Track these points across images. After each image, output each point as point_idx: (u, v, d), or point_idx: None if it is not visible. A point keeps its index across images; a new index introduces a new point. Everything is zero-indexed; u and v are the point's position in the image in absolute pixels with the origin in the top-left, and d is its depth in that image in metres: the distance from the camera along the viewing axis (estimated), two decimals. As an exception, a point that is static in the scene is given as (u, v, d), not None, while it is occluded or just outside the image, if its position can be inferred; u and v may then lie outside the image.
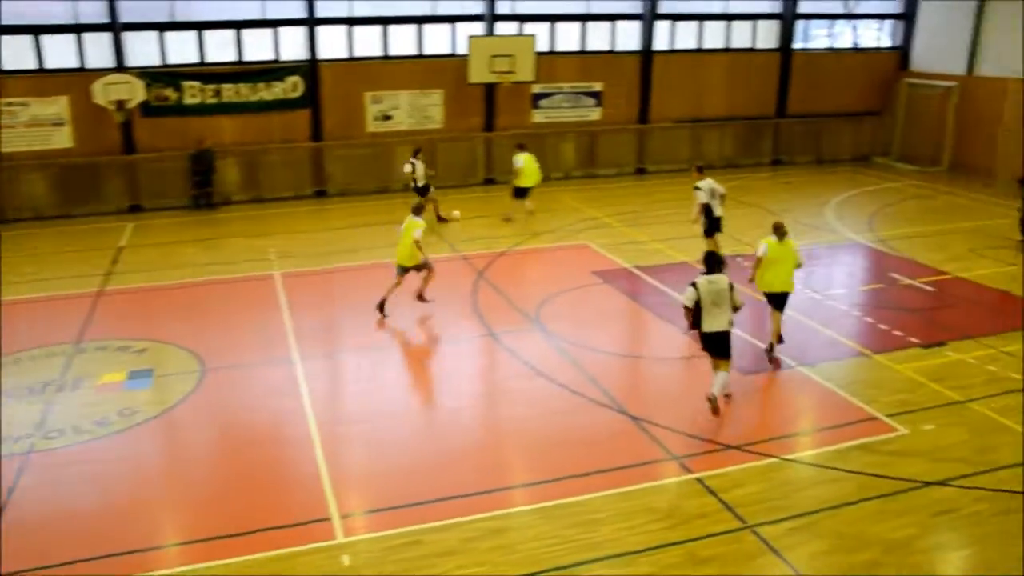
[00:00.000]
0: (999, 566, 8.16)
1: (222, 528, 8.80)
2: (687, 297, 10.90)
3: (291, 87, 23.32)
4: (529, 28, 25.33)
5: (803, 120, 29.27)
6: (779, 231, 12.58)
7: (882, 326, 14.16)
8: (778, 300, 12.71)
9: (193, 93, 22.48)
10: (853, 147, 30.23)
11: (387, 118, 24.46)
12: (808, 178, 27.03)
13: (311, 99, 23.59)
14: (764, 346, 12.96)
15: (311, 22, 23.20)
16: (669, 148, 27.61)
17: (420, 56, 24.66)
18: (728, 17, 27.78)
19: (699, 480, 9.60)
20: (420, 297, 14.77)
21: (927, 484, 9.51)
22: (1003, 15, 26.37)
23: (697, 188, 16.55)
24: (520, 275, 16.86)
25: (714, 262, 11.08)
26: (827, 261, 17.88)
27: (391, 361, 12.96)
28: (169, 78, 22.28)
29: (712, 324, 10.87)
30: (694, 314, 10.87)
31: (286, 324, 14.31)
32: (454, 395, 11.89)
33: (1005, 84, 25.59)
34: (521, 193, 20.82)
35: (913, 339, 13.52)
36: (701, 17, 27.42)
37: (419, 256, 14.35)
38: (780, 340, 12.78)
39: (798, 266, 12.66)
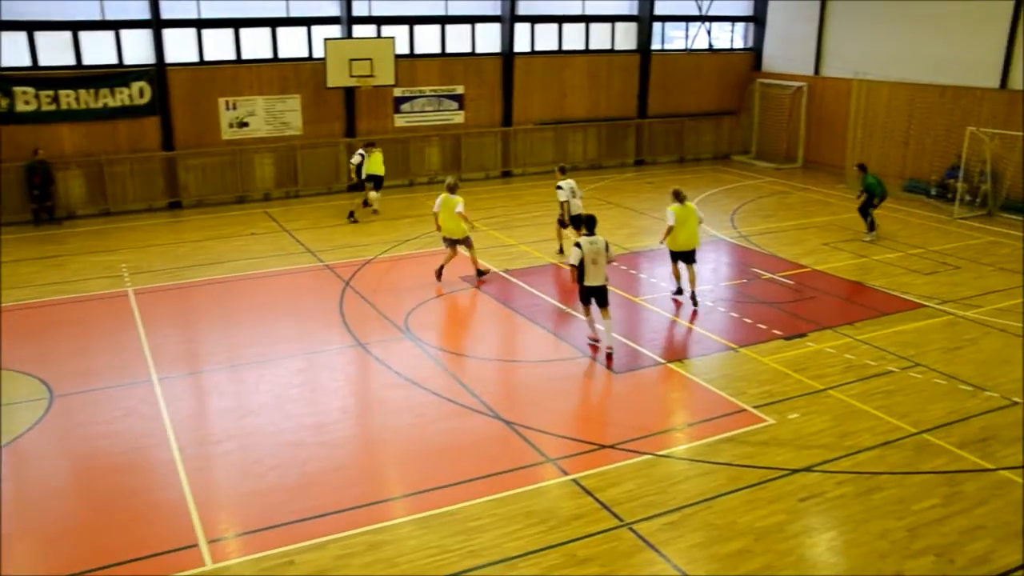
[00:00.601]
0: (863, 544, 8.41)
1: (80, 564, 8.15)
2: (574, 256, 12.57)
3: (137, 93, 22.10)
4: (387, 30, 24.95)
5: (664, 120, 29.96)
6: (679, 196, 14.93)
7: (747, 320, 14.50)
8: (689, 256, 15.02)
9: (27, 99, 20.89)
10: (713, 146, 31.17)
11: (243, 125, 23.56)
12: (671, 177, 27.62)
13: (160, 106, 22.43)
14: (678, 292, 15.44)
15: (156, 24, 22.03)
16: (534, 150, 27.75)
17: (275, 60, 23.88)
18: (587, 19, 28.15)
19: (575, 481, 9.53)
20: (479, 273, 16.37)
21: (794, 471, 9.73)
22: (842, 20, 27.74)
23: (559, 187, 17.65)
24: (388, 283, 16.49)
25: (591, 223, 12.84)
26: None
27: (256, 377, 12.39)
28: (-2, 83, 20.74)
29: (593, 279, 12.59)
30: (579, 271, 12.58)
31: (143, 343, 13.53)
32: (324, 409, 11.45)
33: (848, 84, 26.85)
34: (372, 182, 21.30)
35: (776, 331, 13.90)
36: (560, 19, 27.69)
37: (465, 228, 15.96)
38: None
39: (700, 222, 15.02)
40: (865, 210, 19.84)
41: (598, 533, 8.59)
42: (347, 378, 12.63)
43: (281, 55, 23.93)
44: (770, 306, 15.20)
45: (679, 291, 15.48)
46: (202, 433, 10.81)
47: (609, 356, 12.79)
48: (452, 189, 16.09)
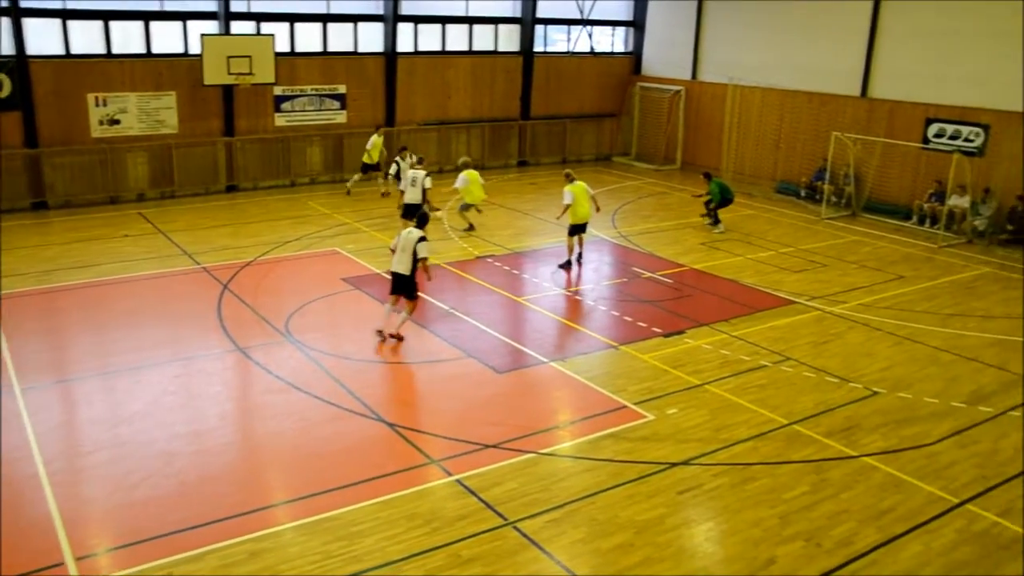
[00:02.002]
0: (738, 533, 8.71)
1: (-73, 589, 7.69)
2: (393, 242, 13.62)
3: (-5, 86, 20.96)
4: (267, 27, 24.42)
5: (547, 122, 30.30)
6: (570, 177, 17.81)
7: (627, 318, 14.80)
8: (583, 228, 17.64)
9: None
10: (595, 147, 31.71)
11: (115, 122, 22.62)
12: (554, 178, 27.84)
13: (22, 100, 21.28)
14: (567, 265, 17.54)
15: (15, 12, 20.82)
16: (417, 150, 27.41)
17: (149, 55, 23.05)
18: (470, 20, 28.21)
19: (459, 481, 9.54)
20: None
21: (673, 465, 10.00)
22: (718, 27, 28.68)
23: (396, 162, 20.14)
24: (268, 285, 16.13)
25: (413, 214, 14.31)
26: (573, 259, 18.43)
27: (129, 384, 11.90)
28: None
29: (396, 265, 13.33)
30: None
31: (3, 352, 12.84)
32: (201, 416, 11.10)
33: (724, 89, 27.74)
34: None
35: (656, 329, 14.24)
36: (443, 20, 27.67)
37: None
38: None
39: (593, 198, 17.57)
40: (710, 209, 21.33)
41: (482, 533, 8.62)
42: (225, 384, 12.29)
43: (155, 50, 23.11)
44: (650, 304, 15.56)
45: (568, 264, 17.50)
46: (70, 445, 10.34)
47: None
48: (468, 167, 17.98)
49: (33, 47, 21.42)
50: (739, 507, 9.18)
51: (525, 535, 8.59)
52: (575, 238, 17.59)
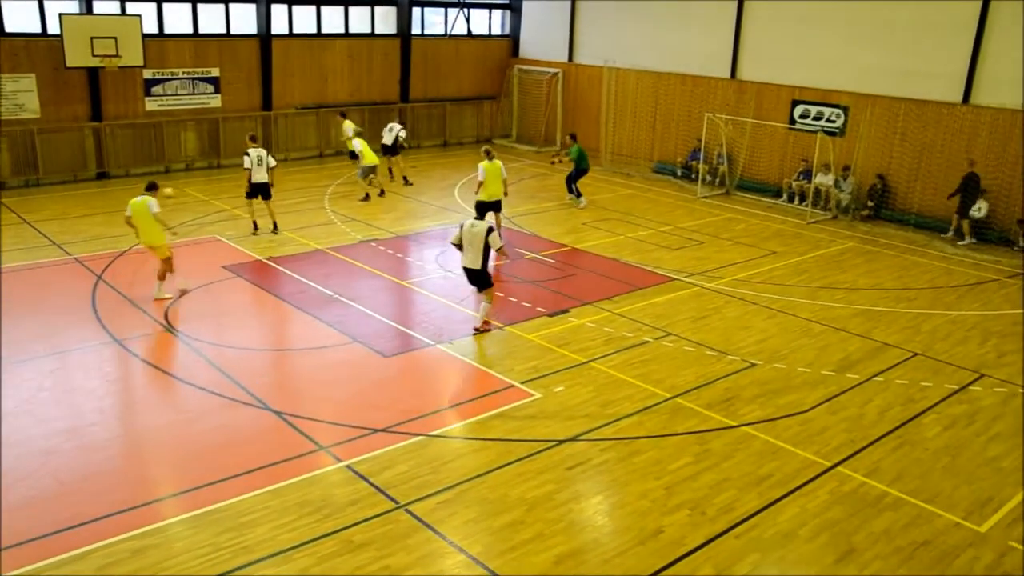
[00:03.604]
0: (627, 505, 8.99)
1: None
2: (453, 235, 13.37)
3: None
4: (133, 8, 23.48)
5: (427, 104, 30.19)
6: (489, 154, 17.49)
7: (512, 299, 14.98)
8: (496, 205, 17.50)
9: None
10: (475, 129, 31.79)
11: (-32, 107, 21.44)
12: (435, 161, 27.95)
13: None
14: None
15: None
16: (296, 135, 27.15)
17: (3, 34, 21.82)
18: (345, 2, 27.79)
19: (349, 467, 9.52)
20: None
21: (561, 442, 10.21)
22: (591, 10, 29.10)
23: (245, 154, 18.39)
24: (144, 275, 15.59)
25: (480, 208, 14.37)
26: (458, 240, 18.51)
27: (1, 381, 11.41)
28: None
29: (466, 260, 13.19)
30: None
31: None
32: (79, 411, 10.70)
33: (600, 72, 28.21)
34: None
35: (540, 309, 14.46)
36: (318, 1, 27.17)
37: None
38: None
39: (504, 179, 17.54)
40: (571, 180, 21.94)
41: (374, 517, 8.63)
42: (104, 377, 11.85)
43: (8, 29, 21.90)
44: (533, 284, 15.78)
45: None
46: (-66, 447, 9.84)
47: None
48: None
49: None
50: (627, 480, 9.46)
51: (417, 517, 8.65)
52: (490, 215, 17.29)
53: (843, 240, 19.84)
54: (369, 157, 21.69)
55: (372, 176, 21.98)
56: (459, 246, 13.22)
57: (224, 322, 13.76)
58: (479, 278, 13.32)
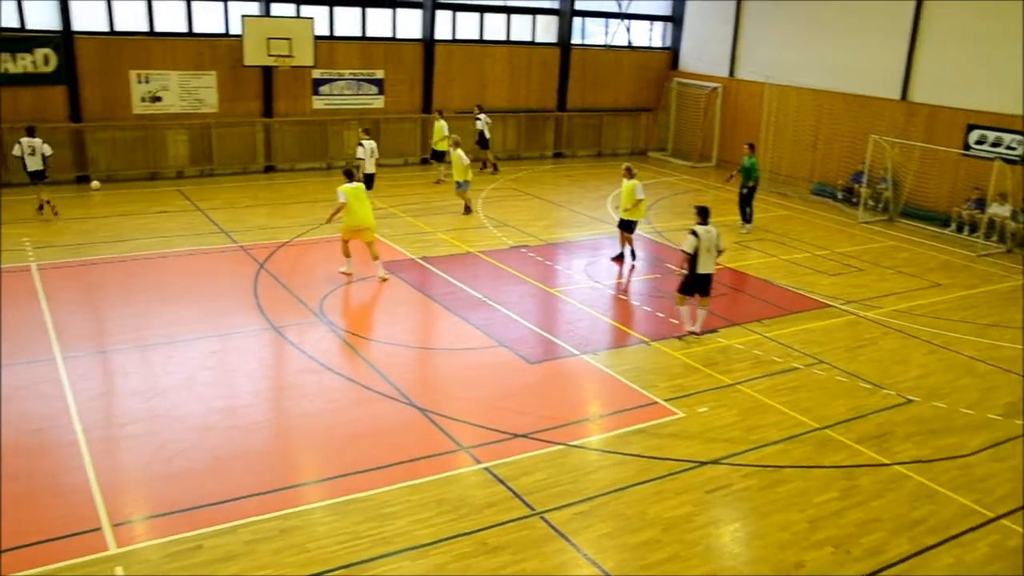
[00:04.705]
0: (766, 536, 8.68)
1: (-30, 548, 7.87)
2: (688, 244, 13.28)
3: (42, 60, 21.21)
4: (307, 11, 24.55)
5: (583, 114, 30.25)
6: (627, 172, 17.20)
7: (659, 314, 14.78)
8: (624, 224, 17.35)
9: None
10: (631, 141, 31.63)
11: (156, 99, 22.88)
12: (589, 171, 27.96)
13: (67, 75, 21.61)
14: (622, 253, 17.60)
15: (64, -11, 21.22)
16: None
17: (191, 34, 23.26)
18: (508, 10, 28.19)
19: (488, 470, 9.59)
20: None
21: (702, 464, 9.98)
22: (757, 25, 28.46)
23: (360, 145, 20.27)
24: (303, 266, 16.27)
25: (707, 213, 13.62)
26: (608, 252, 18.43)
27: (165, 358, 12.07)
28: None
29: (703, 267, 13.35)
30: (692, 259, 13.34)
31: (46, 320, 13.07)
32: (236, 392, 11.24)
33: (761, 88, 27.54)
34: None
35: (688, 326, 14.19)
36: (482, 8, 27.67)
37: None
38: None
39: (636, 200, 16.90)
40: (745, 201, 20.94)
41: (510, 521, 8.65)
42: (260, 361, 12.42)
43: (197, 30, 23.32)
44: (682, 301, 15.51)
45: (621, 256, 17.69)
46: (108, 414, 10.51)
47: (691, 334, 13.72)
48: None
49: (79, 23, 21.68)
50: (768, 510, 9.15)
51: (552, 526, 8.62)
52: (625, 234, 17.49)
53: (1017, 276, 18.63)
54: (460, 172, 20.45)
55: (462, 191, 20.82)
56: (694, 255, 13.32)
57: (375, 317, 14.16)
58: (709, 284, 13.59)
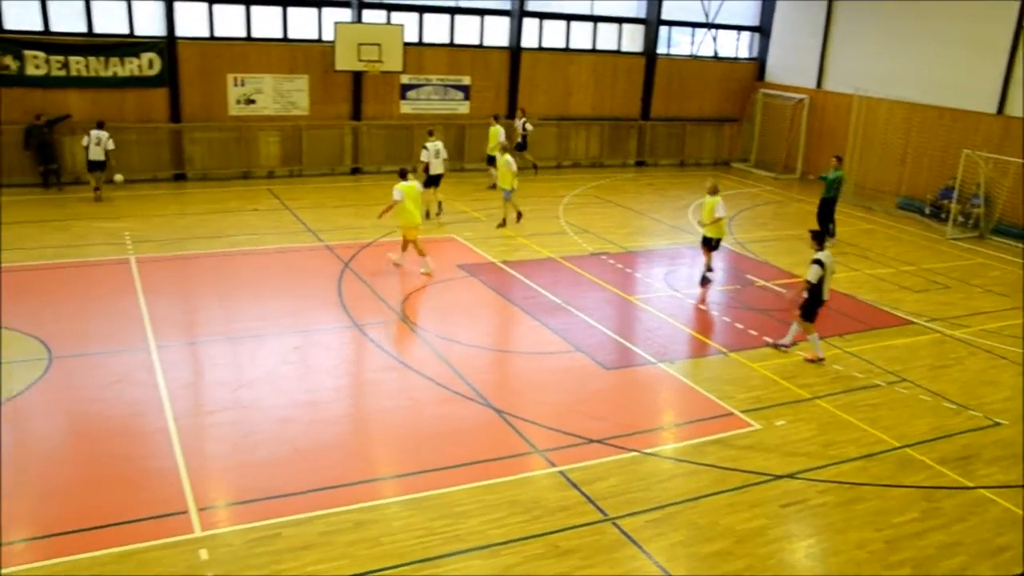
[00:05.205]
0: (842, 553, 8.58)
1: (71, 523, 8.30)
2: (813, 274, 12.92)
3: (147, 64, 22.20)
4: (397, 17, 25.07)
5: (667, 123, 30.13)
6: (712, 190, 16.77)
7: (738, 325, 14.69)
8: (708, 242, 16.80)
9: (37, 64, 21.05)
10: (714, 151, 31.38)
11: (250, 102, 23.65)
12: (671, 180, 27.83)
13: (169, 78, 22.54)
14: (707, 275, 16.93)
15: (170, -3, 22.17)
16: (536, 144, 27.82)
17: (285, 40, 23.97)
18: (594, 19, 28.27)
19: (562, 473, 9.68)
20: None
21: (777, 477, 9.90)
22: (846, 36, 27.94)
23: (424, 148, 20.13)
24: (386, 267, 16.62)
25: (824, 237, 13.47)
26: (688, 261, 18.40)
27: (252, 351, 12.51)
28: (8, 45, 20.74)
29: (826, 294, 13.12)
30: (815, 287, 12.99)
31: (142, 311, 13.64)
32: (317, 387, 11.58)
33: (849, 100, 27.04)
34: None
35: (767, 339, 14.07)
36: (568, 17, 27.81)
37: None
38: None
39: (717, 217, 16.46)
40: (825, 218, 20.48)
41: (582, 526, 8.72)
42: (341, 358, 12.76)
43: (291, 35, 24.02)
44: (762, 313, 15.38)
45: (707, 279, 16.99)
46: (197, 403, 10.94)
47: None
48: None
49: (181, 29, 22.57)
50: (844, 527, 9.03)
51: (624, 532, 8.67)
52: (710, 253, 16.94)
53: (1116, 299, 17.94)
54: (506, 179, 19.49)
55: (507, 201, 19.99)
56: (818, 283, 12.99)
57: (455, 318, 14.38)
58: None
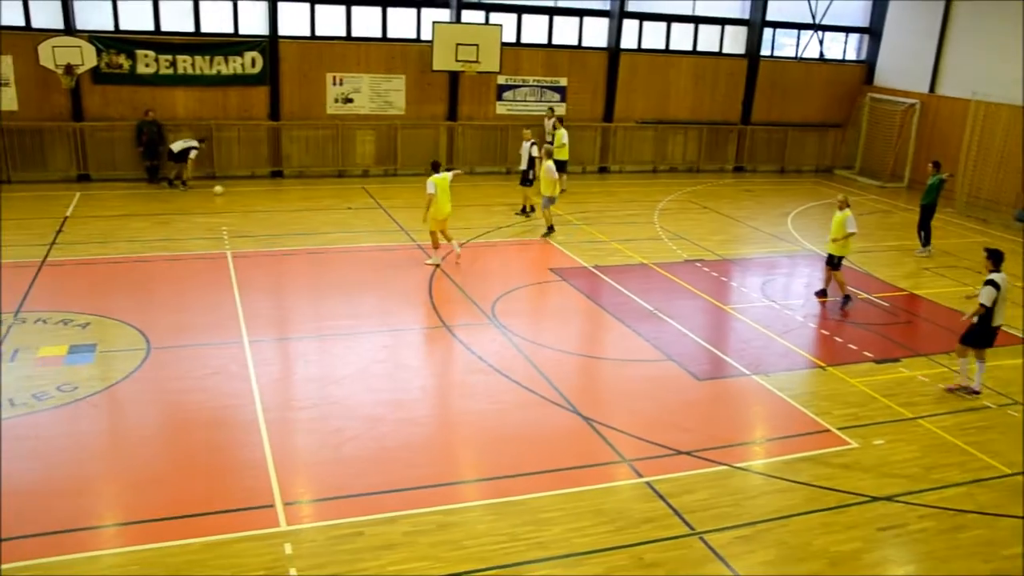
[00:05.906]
0: (942, 584, 8.14)
1: (161, 511, 8.47)
2: (987, 296, 11.72)
3: (249, 62, 22.77)
4: (495, 18, 25.10)
5: (767, 128, 29.40)
6: (846, 204, 16.06)
7: (837, 339, 14.16)
8: (831, 260, 15.93)
9: (147, 62, 21.85)
10: (816, 158, 30.46)
11: (348, 101, 24.02)
12: (770, 187, 27.15)
13: (270, 76, 23.06)
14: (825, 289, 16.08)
15: (274, -3, 22.68)
16: (633, 148, 27.56)
17: (384, 39, 24.26)
18: (696, 20, 27.79)
19: (649, 484, 9.45)
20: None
21: (874, 499, 9.46)
22: (965, 37, 26.72)
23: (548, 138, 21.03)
24: (477, 268, 16.60)
25: (1001, 258, 12.09)
26: (786, 271, 17.88)
27: (342, 348, 12.64)
28: (122, 45, 21.61)
29: (1000, 318, 11.94)
30: (989, 310, 11.82)
31: (237, 305, 13.94)
32: (405, 386, 11.61)
33: (965, 105, 25.87)
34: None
35: (867, 353, 13.52)
36: (669, 18, 27.40)
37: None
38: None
39: (847, 233, 15.70)
40: (922, 223, 19.71)
41: (667, 539, 8.50)
42: (430, 358, 12.78)
43: (390, 35, 24.29)
44: (863, 327, 14.79)
45: (824, 292, 16.17)
46: (286, 398, 11.07)
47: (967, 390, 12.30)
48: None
49: (284, 28, 23.06)
50: (946, 555, 8.55)
51: (711, 548, 8.40)
52: (832, 273, 15.93)
53: None
54: (547, 186, 18.65)
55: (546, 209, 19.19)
56: (992, 306, 11.84)
57: (544, 322, 14.26)
58: (996, 335, 12.20)
